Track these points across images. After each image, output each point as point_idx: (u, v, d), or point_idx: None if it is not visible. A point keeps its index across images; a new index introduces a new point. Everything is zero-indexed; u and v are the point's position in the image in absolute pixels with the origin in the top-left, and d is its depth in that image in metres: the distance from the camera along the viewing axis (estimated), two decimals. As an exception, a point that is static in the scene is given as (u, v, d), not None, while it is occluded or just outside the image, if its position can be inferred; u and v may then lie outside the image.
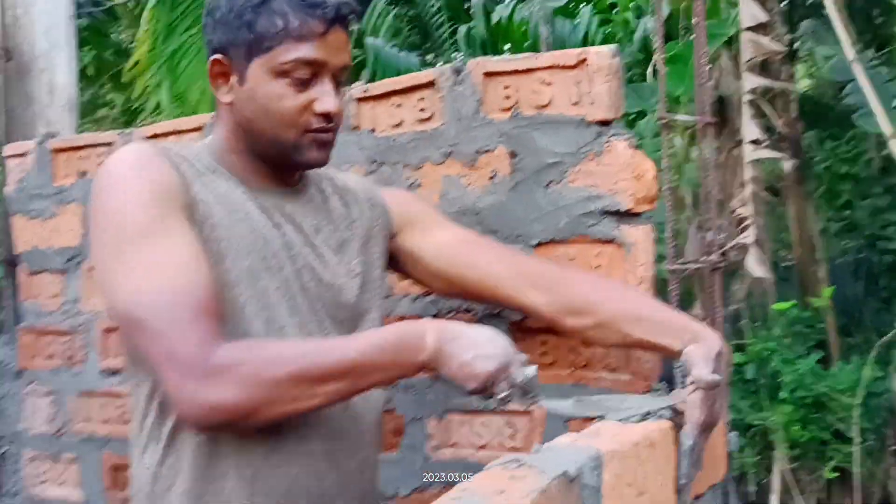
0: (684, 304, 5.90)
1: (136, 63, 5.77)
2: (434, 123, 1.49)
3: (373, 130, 1.54)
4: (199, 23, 5.00)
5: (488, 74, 1.43)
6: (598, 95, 1.34)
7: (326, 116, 1.13)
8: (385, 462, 1.38)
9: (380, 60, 6.68)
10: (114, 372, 1.86)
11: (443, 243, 1.31)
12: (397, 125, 1.53)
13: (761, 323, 6.48)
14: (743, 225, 6.07)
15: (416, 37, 9.06)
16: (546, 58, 1.38)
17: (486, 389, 1.04)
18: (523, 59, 1.40)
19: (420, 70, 6.72)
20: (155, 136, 1.78)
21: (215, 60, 1.13)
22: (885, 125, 5.39)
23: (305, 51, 1.10)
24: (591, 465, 0.82)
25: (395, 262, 1.33)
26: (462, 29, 7.31)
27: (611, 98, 1.33)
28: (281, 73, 1.10)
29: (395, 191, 1.41)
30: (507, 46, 7.63)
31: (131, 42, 7.67)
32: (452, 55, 7.73)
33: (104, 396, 1.88)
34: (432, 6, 8.24)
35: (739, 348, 6.47)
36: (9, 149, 1.99)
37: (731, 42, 6.14)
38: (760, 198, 6.21)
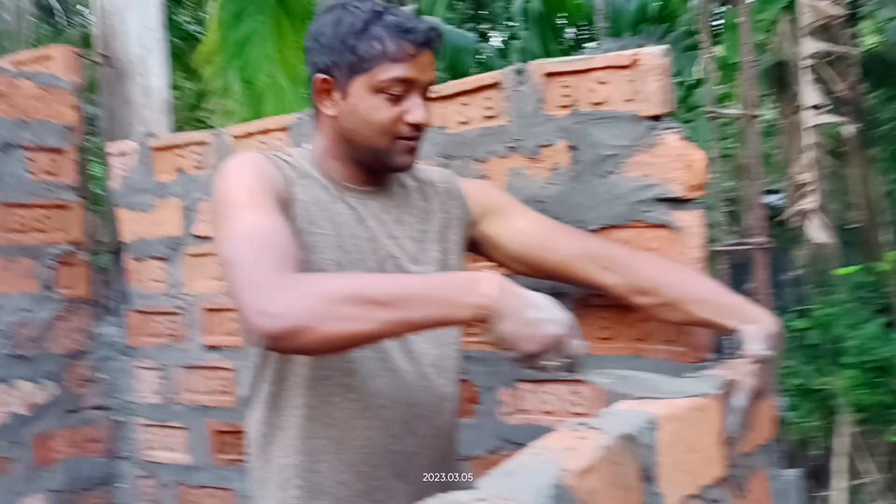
0: (745, 273, 5.92)
1: (207, 51, 5.98)
2: (499, 121, 1.62)
3: (443, 128, 1.68)
4: (265, 10, 5.13)
5: (548, 75, 1.56)
6: (650, 93, 1.45)
7: (416, 126, 1.28)
8: (462, 426, 1.54)
9: (438, 37, 6.77)
10: (214, 348, 2.06)
11: (521, 229, 1.43)
12: (465, 122, 1.67)
13: (824, 288, 6.45)
14: (805, 190, 6.05)
15: (471, 10, 9.10)
16: (601, 59, 1.50)
17: (539, 355, 1.07)
18: (580, 61, 1.52)
19: (475, 45, 6.74)
20: (247, 135, 1.96)
21: (322, 79, 1.29)
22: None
23: (400, 70, 1.25)
24: (647, 427, 0.97)
25: (477, 247, 1.46)
26: (518, 2, 7.33)
27: (662, 95, 1.45)
28: (379, 89, 1.25)
29: (475, 181, 1.53)
30: (562, 19, 7.64)
31: (196, 28, 7.90)
32: (508, 29, 7.76)
33: (207, 370, 2.08)
34: (487, -23, 8.24)
35: (802, 314, 6.47)
36: (112, 147, 2.19)
37: (791, 6, 6.07)
38: (822, 163, 6.17)
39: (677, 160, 1.45)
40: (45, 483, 2.10)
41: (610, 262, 1.39)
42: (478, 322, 1.09)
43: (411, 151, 1.31)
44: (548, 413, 1.62)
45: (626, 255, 1.42)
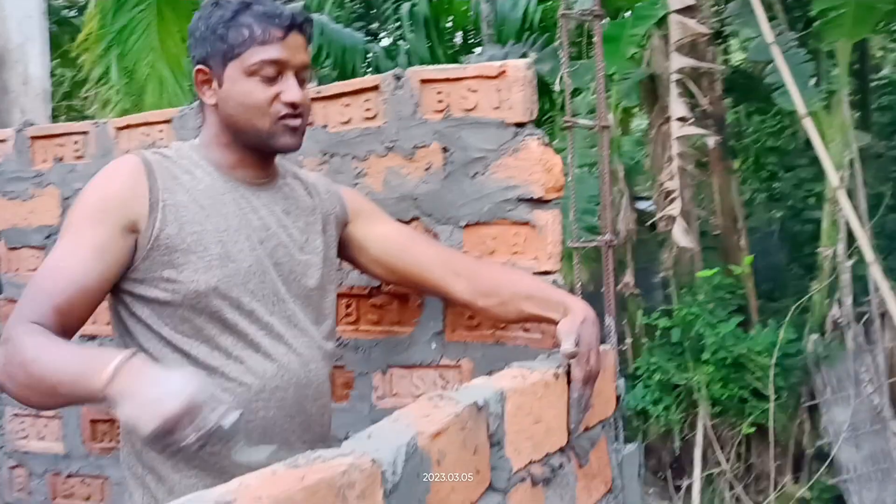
0: (619, 269, 6.21)
1: (86, 38, 5.81)
2: (378, 122, 1.73)
3: (325, 126, 1.77)
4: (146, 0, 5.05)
5: (424, 81, 1.67)
6: (515, 101, 1.59)
7: (292, 105, 1.34)
8: (338, 411, 1.64)
9: (325, 35, 6.82)
10: (92, 337, 2.07)
11: (385, 235, 1.54)
12: (346, 122, 1.76)
13: (687, 289, 6.89)
14: (670, 197, 6.44)
15: (360, 9, 9.16)
16: (472, 69, 1.63)
17: (170, 432, 1.00)
18: (453, 70, 1.65)
19: (364, 45, 6.83)
20: (127, 127, 1.99)
21: (199, 70, 1.37)
22: (799, 104, 5.80)
23: (269, 52, 1.32)
24: (496, 398, 1.09)
25: (344, 248, 1.55)
26: (406, 5, 7.48)
27: (525, 104, 1.59)
28: (251, 72, 1.32)
29: (348, 188, 1.63)
30: (448, 23, 7.83)
31: (73, 14, 7.64)
32: (397, 31, 7.89)
33: (83, 359, 2.08)
34: (377, -21, 8.34)
35: (667, 313, 6.88)
36: (-12, 135, 2.16)
37: (662, 23, 6.46)
38: (686, 172, 6.59)
39: (538, 164, 1.59)
40: None
41: (461, 267, 1.51)
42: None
43: (293, 131, 1.37)
44: (418, 396, 1.73)
45: (472, 262, 1.57)
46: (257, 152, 1.40)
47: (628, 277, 7.15)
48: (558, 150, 1.64)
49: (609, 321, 1.61)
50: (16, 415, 2.19)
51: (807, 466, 6.45)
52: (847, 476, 5.88)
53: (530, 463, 1.18)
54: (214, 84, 1.37)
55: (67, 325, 1.22)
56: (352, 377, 1.79)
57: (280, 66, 1.34)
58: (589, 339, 1.32)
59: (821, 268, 6.59)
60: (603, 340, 1.60)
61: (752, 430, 6.47)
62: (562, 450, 1.29)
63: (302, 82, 1.37)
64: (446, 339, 1.69)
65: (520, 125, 1.60)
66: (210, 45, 1.35)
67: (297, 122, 1.37)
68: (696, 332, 6.52)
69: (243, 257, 1.34)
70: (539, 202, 1.60)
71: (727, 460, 6.46)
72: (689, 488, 6.51)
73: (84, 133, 2.05)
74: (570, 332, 1.32)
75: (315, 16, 6.70)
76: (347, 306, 1.78)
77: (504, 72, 1.60)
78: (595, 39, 1.59)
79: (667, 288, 8.06)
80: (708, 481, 6.55)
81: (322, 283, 1.45)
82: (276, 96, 1.34)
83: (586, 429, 1.41)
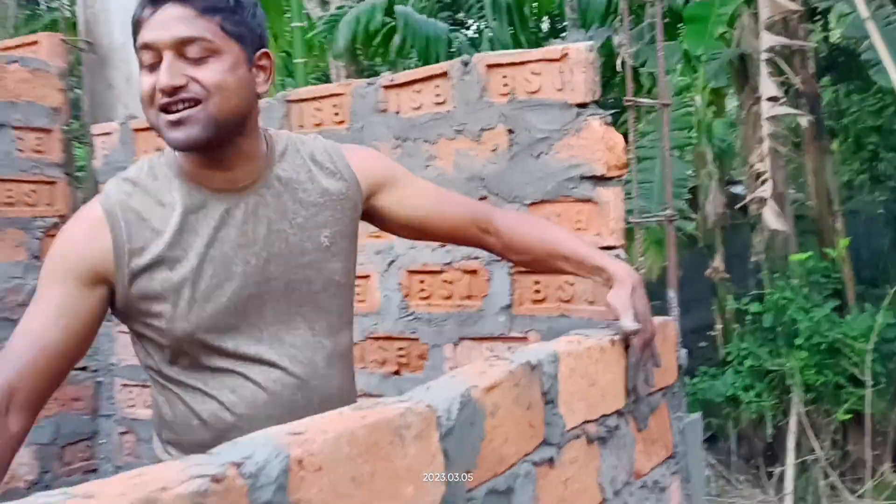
0: (707, 255, 6.14)
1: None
2: (447, 106, 1.82)
3: (398, 112, 1.88)
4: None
5: (490, 66, 1.75)
6: (578, 83, 1.66)
7: (164, 91, 1.13)
8: (412, 380, 1.75)
9: (409, 27, 6.95)
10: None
11: (411, 199, 1.41)
12: (417, 108, 1.86)
13: (780, 274, 6.73)
14: (761, 179, 6.31)
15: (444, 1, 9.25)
16: (536, 53, 1.70)
17: None
18: (517, 54, 1.72)
19: (448, 35, 6.91)
20: (298, 100, 2.06)
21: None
22: (896, 80, 5.58)
23: (141, 36, 1.14)
24: (549, 359, 1.17)
25: (369, 217, 1.42)
26: (489, -7, 7.52)
27: (587, 85, 1.65)
28: (140, 61, 1.16)
29: (360, 153, 1.42)
30: (533, 9, 7.84)
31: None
32: (481, 20, 7.95)
33: (183, 333, 2.26)
34: (460, -31, 8.41)
35: (759, 298, 6.74)
36: (96, 128, 2.36)
37: (751, 1, 6.31)
38: (778, 153, 6.43)
39: (600, 142, 1.65)
40: (33, 437, 2.27)
41: (489, 225, 1.44)
42: None
43: (174, 125, 1.14)
44: (489, 367, 1.82)
45: (501, 219, 1.46)
46: (207, 154, 1.20)
47: (717, 262, 7.03)
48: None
49: (671, 294, 1.66)
50: (124, 385, 2.40)
51: (907, 455, 6.22)
52: (951, 465, 5.65)
53: (585, 422, 1.25)
54: None
55: (36, 387, 1.16)
56: (426, 349, 1.89)
57: (155, 49, 1.13)
58: (643, 308, 1.34)
59: (924, 250, 6.33)
60: (666, 312, 1.66)
61: (849, 417, 6.28)
62: (619, 413, 1.36)
63: (200, 60, 1.15)
64: (514, 313, 1.77)
65: (582, 105, 1.67)
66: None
67: (174, 114, 1.14)
68: (789, 316, 6.36)
69: (220, 294, 1.22)
70: (601, 179, 1.66)
71: (822, 448, 6.30)
72: (781, 476, 6.38)
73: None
74: (626, 308, 1.32)
75: (399, 7, 6.83)
76: (421, 282, 1.89)
77: (566, 54, 1.67)
78: (657, 21, 1.63)
79: (759, 273, 7.88)
80: (802, 469, 6.41)
81: (329, 280, 1.32)
82: (155, 86, 1.14)
83: (648, 394, 1.46)
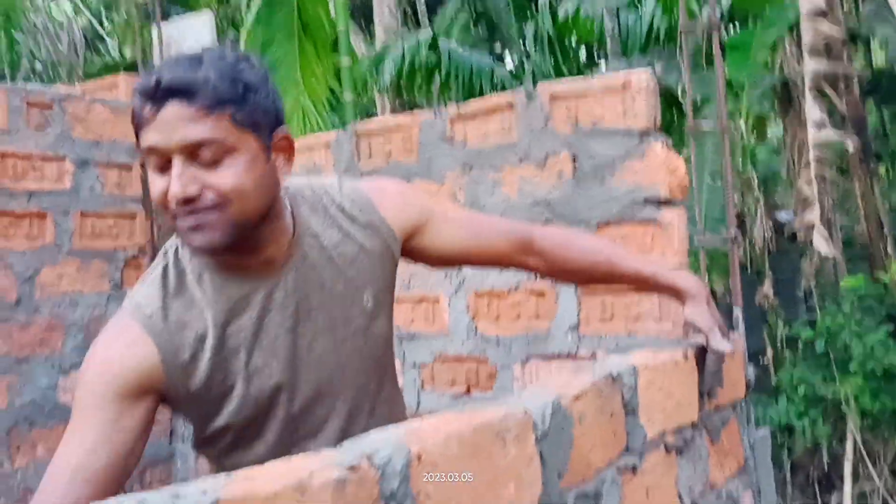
0: (756, 281, 6.08)
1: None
2: (512, 135, 1.90)
3: (464, 142, 1.96)
4: (292, 37, 5.45)
5: (553, 97, 1.83)
6: (639, 110, 1.73)
7: (179, 203, 1.03)
8: (483, 400, 1.81)
9: (453, 61, 7.10)
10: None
11: (446, 232, 1.34)
12: (483, 137, 1.95)
13: (831, 300, 6.66)
14: (808, 205, 6.28)
15: (485, 32, 9.42)
16: (598, 82, 1.78)
17: None
18: (580, 84, 1.80)
19: (490, 67, 7.00)
20: (366, 133, 2.15)
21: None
22: (943, 103, 5.54)
23: (144, 139, 1.03)
24: (629, 371, 1.23)
25: (405, 256, 1.35)
26: (530, 26, 7.66)
27: (649, 111, 1.72)
28: (147, 162, 1.08)
29: (389, 196, 1.32)
30: (573, 41, 7.95)
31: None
32: (521, 52, 8.09)
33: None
34: (501, 3, 8.56)
35: (810, 324, 6.68)
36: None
37: (794, 28, 6.34)
38: (825, 178, 6.41)
39: (662, 166, 1.72)
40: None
41: (531, 247, 1.39)
42: None
43: (196, 229, 1.05)
44: (556, 386, 1.88)
45: (546, 240, 1.40)
46: (237, 246, 1.10)
47: (767, 289, 6.99)
48: (685, 159, 1.75)
49: (737, 311, 1.70)
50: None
51: (970, 483, 6.07)
52: None
53: (663, 432, 1.30)
54: None
55: None
56: (495, 370, 1.95)
57: (161, 153, 1.03)
58: (717, 317, 1.36)
59: (979, 273, 6.23)
60: (733, 328, 1.70)
61: (907, 444, 6.16)
62: (693, 425, 1.40)
63: (214, 163, 1.04)
64: (581, 332, 1.83)
65: (644, 132, 1.73)
66: None
67: (191, 220, 1.05)
68: (841, 342, 6.29)
69: (262, 389, 1.16)
70: (665, 202, 1.72)
71: (880, 476, 6.18)
72: (838, 505, 6.26)
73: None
74: (711, 325, 1.32)
75: (443, 43, 6.99)
76: (488, 305, 1.96)
77: (629, 82, 1.74)
78: (715, 50, 1.70)
79: (809, 300, 7.80)
80: (861, 498, 6.28)
81: (378, 335, 1.28)
82: (167, 191, 1.04)
83: (716, 408, 1.51)
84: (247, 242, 1.11)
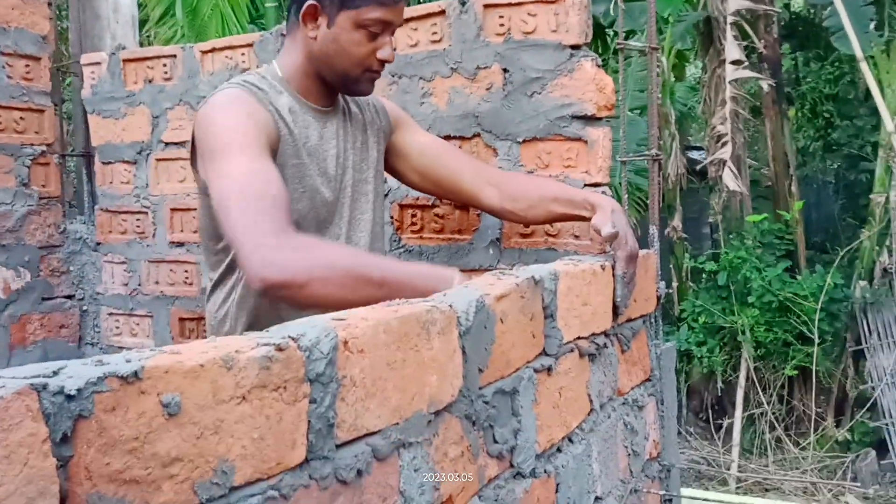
0: (666, 216, 6.26)
1: (151, -24, 5.99)
2: (443, 44, 1.87)
3: (394, 49, 1.92)
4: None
5: (487, 6, 1.81)
6: (572, 24, 1.72)
7: (383, 62, 1.51)
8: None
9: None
10: (179, 244, 2.28)
11: (422, 143, 1.70)
12: (414, 45, 1.91)
13: (735, 235, 6.93)
14: (721, 141, 6.45)
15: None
16: (533, -6, 1.76)
17: None
18: (515, -6, 1.78)
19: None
20: (212, 51, 2.16)
21: (311, 5, 1.48)
22: (857, 48, 5.75)
23: (382, 13, 1.47)
24: (550, 276, 1.26)
25: (386, 156, 1.70)
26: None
27: (581, 27, 1.72)
28: (362, 25, 1.47)
29: (387, 100, 1.77)
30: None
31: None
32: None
33: (172, 263, 2.31)
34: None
35: (714, 258, 6.95)
36: (85, 58, 2.36)
37: (720, -35, 6.40)
38: (739, 116, 6.59)
39: (591, 84, 1.73)
40: (21, 361, 2.31)
41: (490, 176, 1.67)
42: None
43: (372, 81, 1.55)
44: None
45: (500, 172, 1.74)
46: (331, 88, 1.56)
47: (676, 222, 7.22)
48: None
49: (652, 229, 1.76)
50: (111, 314, 2.43)
51: (849, 410, 6.53)
52: (889, 420, 5.96)
53: (578, 338, 1.35)
54: (322, 21, 1.49)
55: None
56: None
57: (385, 26, 1.49)
58: (622, 224, 1.47)
59: (872, 215, 6.58)
60: (646, 246, 1.76)
61: (795, 373, 6.56)
62: (606, 334, 1.46)
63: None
64: (503, 246, 1.85)
65: (575, 47, 1.73)
66: None
67: (378, 75, 1.54)
68: (742, 276, 6.58)
69: (321, 178, 1.53)
70: (591, 119, 1.74)
71: (769, 402, 6.58)
72: (729, 428, 6.66)
73: (172, 56, 2.24)
74: (605, 221, 1.46)
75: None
76: (413, 216, 1.96)
77: (562, -4, 1.73)
78: (648, -33, 1.70)
79: (715, 235, 8.10)
80: (749, 422, 6.69)
81: (373, 189, 1.64)
82: (374, 51, 1.49)
83: (628, 319, 1.57)
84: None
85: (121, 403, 0.58)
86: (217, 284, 1.58)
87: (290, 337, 0.78)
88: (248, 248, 1.22)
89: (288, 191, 1.35)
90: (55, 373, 0.58)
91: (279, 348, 0.75)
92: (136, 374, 0.59)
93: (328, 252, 1.31)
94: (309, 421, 0.76)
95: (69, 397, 0.56)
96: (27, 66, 2.30)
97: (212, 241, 1.56)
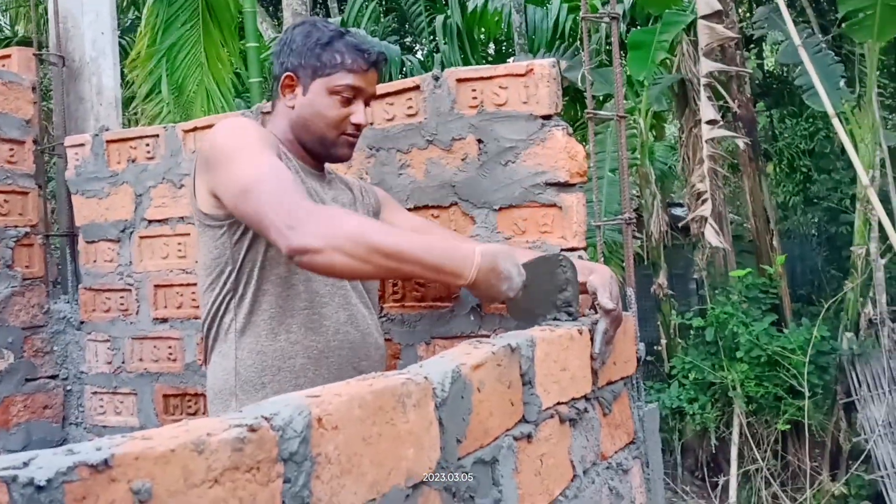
0: (652, 273, 6.27)
1: (136, 57, 6.12)
2: (419, 118, 1.92)
3: (371, 124, 1.97)
4: (195, 18, 5.33)
5: (460, 80, 1.87)
6: (542, 96, 1.78)
7: (357, 126, 1.61)
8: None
9: (362, 49, 7.06)
10: (163, 320, 2.29)
11: (406, 222, 1.78)
12: (390, 119, 1.96)
13: (721, 290, 6.97)
14: (701, 199, 6.55)
15: (395, 24, 9.41)
16: (503, 68, 1.82)
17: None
18: (486, 69, 1.84)
19: (400, 57, 7.05)
20: (194, 129, 2.21)
21: (288, 76, 1.61)
22: (828, 104, 5.90)
23: (353, 79, 1.58)
24: (526, 343, 1.27)
25: None
26: (439, 18, 7.69)
27: (551, 98, 1.78)
28: (334, 91, 1.58)
29: (374, 186, 1.88)
30: (482, 34, 8.04)
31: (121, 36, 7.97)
32: (430, 43, 8.11)
33: (155, 339, 2.31)
34: (410, -5, 8.56)
35: (701, 313, 6.97)
36: (69, 140, 2.40)
37: (691, 28, 6.59)
38: (717, 174, 6.70)
39: (563, 152, 1.77)
40: (4, 443, 2.28)
41: None
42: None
43: (350, 146, 1.64)
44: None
45: None
46: (314, 154, 1.66)
47: (662, 279, 7.26)
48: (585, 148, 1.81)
49: (630, 292, 1.78)
50: (94, 392, 2.42)
51: (843, 463, 6.48)
52: (884, 472, 5.92)
53: (558, 404, 1.35)
54: (298, 91, 1.61)
55: None
56: (399, 349, 1.98)
57: (356, 92, 1.59)
58: (616, 291, 1.52)
59: (854, 267, 6.65)
60: (626, 309, 1.78)
61: (788, 427, 6.52)
62: (586, 398, 1.46)
63: (366, 107, 1.64)
64: (484, 312, 1.87)
65: (546, 117, 1.79)
66: (304, 58, 1.59)
67: (355, 139, 1.64)
68: (729, 330, 6.59)
69: None
70: (565, 186, 1.78)
71: (763, 458, 6.52)
72: (725, 486, 6.58)
73: (155, 136, 2.28)
74: (604, 287, 1.50)
75: (352, 30, 6.93)
76: (394, 284, 1.98)
77: (531, 70, 1.79)
78: (613, 38, 1.77)
79: (700, 290, 8.13)
80: (745, 479, 6.62)
81: None
82: (347, 116, 1.59)
83: (609, 382, 1.58)
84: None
85: (91, 493, 0.59)
86: (214, 321, 1.61)
87: (262, 417, 0.78)
88: (280, 218, 1.32)
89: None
90: (25, 464, 0.59)
91: (252, 429, 0.76)
92: (105, 462, 0.60)
93: (350, 222, 1.37)
94: (283, 501, 0.77)
95: (39, 488, 0.56)
96: (11, 149, 2.34)
97: (209, 277, 1.59)
